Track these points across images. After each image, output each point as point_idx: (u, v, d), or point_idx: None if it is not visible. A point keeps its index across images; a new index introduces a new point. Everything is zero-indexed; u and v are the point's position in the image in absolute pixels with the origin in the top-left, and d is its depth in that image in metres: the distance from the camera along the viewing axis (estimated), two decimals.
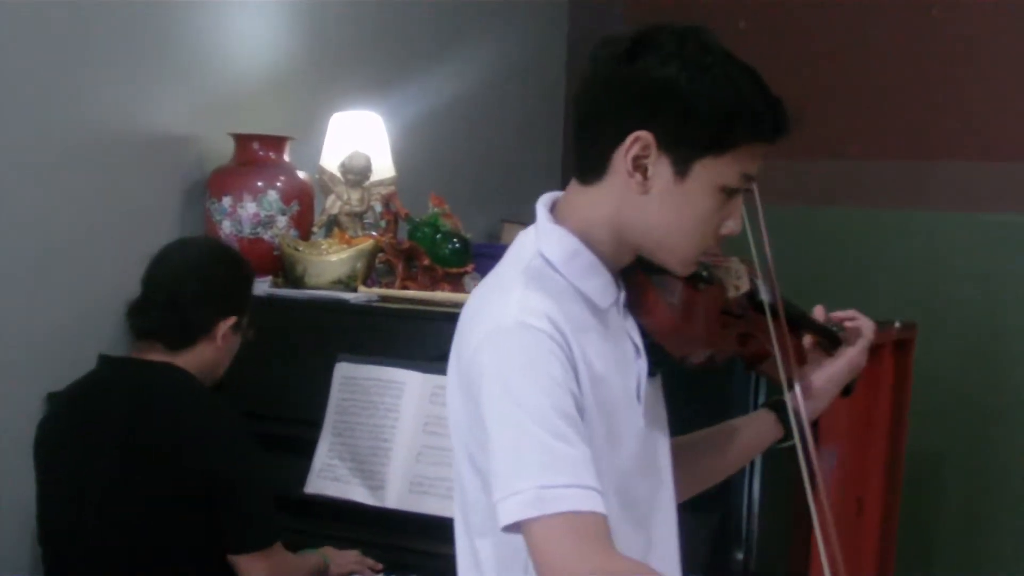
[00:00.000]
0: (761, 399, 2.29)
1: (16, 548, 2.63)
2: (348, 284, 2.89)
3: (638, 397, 1.58)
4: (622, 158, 1.49)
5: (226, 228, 2.95)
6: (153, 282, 2.41)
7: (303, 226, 3.03)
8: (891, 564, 3.21)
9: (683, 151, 1.48)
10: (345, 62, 3.54)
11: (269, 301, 2.82)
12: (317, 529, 2.53)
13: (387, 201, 3.08)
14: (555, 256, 1.53)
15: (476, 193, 3.86)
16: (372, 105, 3.33)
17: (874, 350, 2.90)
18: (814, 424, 2.15)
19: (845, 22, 4.21)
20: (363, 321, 2.76)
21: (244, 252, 2.87)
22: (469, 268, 2.98)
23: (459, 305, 2.60)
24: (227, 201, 2.95)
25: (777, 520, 2.38)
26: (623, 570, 1.35)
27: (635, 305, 1.60)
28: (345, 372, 2.65)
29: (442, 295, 2.82)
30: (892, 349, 3.04)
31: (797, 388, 1.74)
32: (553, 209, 1.59)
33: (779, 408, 1.83)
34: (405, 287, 2.91)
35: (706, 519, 2.28)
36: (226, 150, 3.04)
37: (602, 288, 1.55)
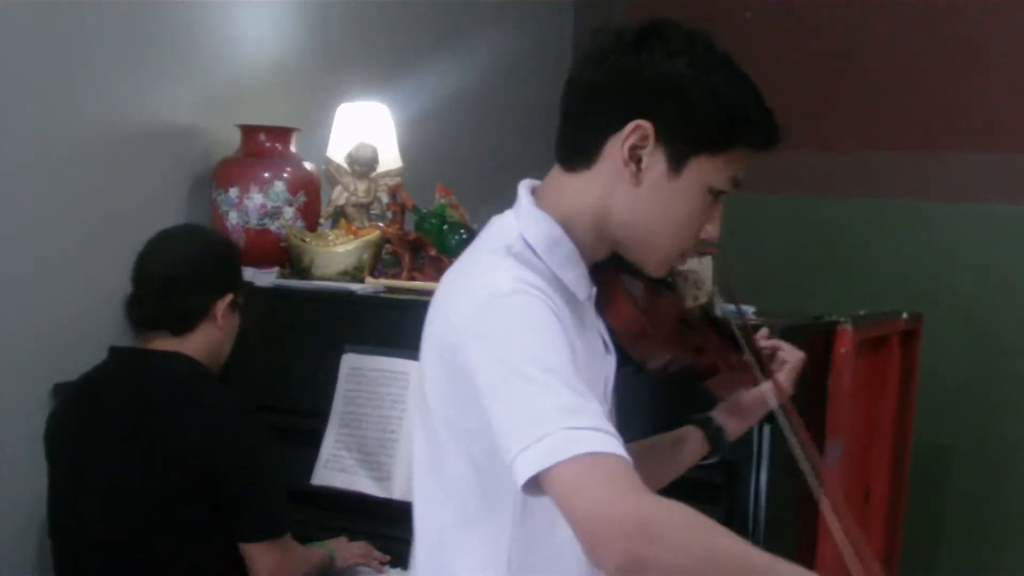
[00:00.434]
0: None
1: (23, 540, 2.63)
2: (355, 275, 2.89)
3: (604, 397, 1.55)
4: (618, 146, 1.48)
5: (233, 219, 2.95)
6: (145, 275, 2.43)
7: (310, 217, 3.03)
8: (897, 553, 3.20)
9: (680, 146, 1.48)
10: (351, 53, 3.54)
11: (276, 292, 2.83)
12: (323, 520, 2.54)
13: (393, 192, 3.08)
14: (537, 242, 1.50)
15: (482, 184, 3.84)
16: (379, 96, 3.32)
17: (881, 341, 2.92)
18: (820, 419, 2.15)
19: (850, 13, 4.20)
20: (370, 312, 2.76)
21: (251, 243, 2.89)
22: None
23: None
24: (234, 192, 2.95)
25: (784, 511, 2.38)
26: (664, 503, 1.27)
27: (603, 303, 1.58)
28: (352, 363, 2.66)
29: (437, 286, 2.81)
30: (899, 340, 3.04)
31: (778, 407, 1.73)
32: (534, 195, 1.56)
33: (706, 424, 1.82)
34: (412, 278, 2.91)
35: (713, 510, 2.27)
36: (232, 141, 3.04)
37: (579, 280, 1.53)
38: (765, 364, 1.79)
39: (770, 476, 2.30)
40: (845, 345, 2.52)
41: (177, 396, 2.32)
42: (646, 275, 1.58)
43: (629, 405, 1.71)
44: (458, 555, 1.49)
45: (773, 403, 1.78)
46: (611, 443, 1.28)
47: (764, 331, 1.87)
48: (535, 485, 1.28)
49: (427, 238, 2.95)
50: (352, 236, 2.94)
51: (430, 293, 2.75)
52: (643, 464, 1.72)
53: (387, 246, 2.98)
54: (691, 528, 1.28)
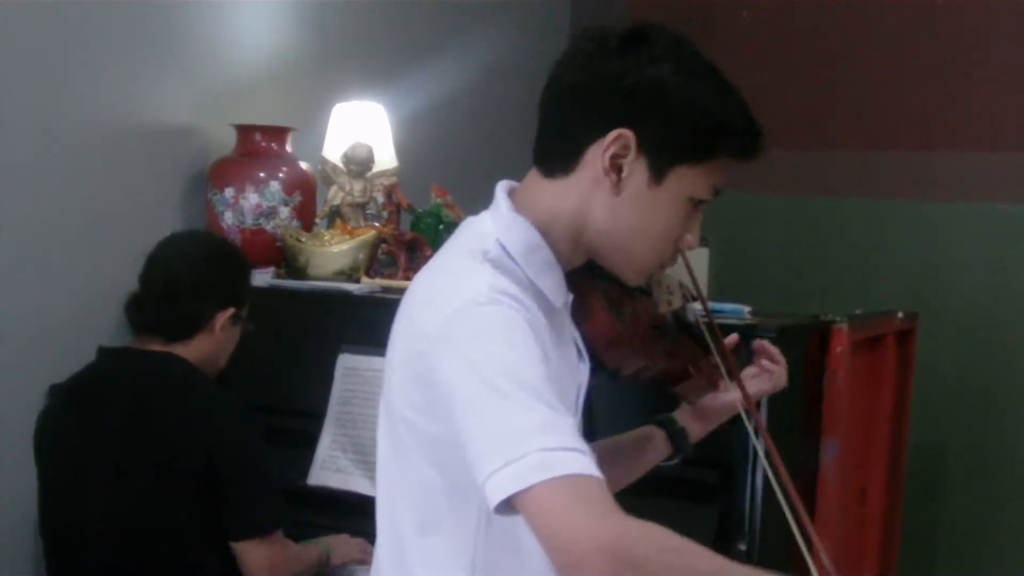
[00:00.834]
0: None
1: (17, 541, 2.63)
2: (350, 275, 2.89)
3: (576, 407, 1.53)
4: (599, 154, 1.45)
5: (228, 219, 2.94)
6: (150, 278, 2.43)
7: (305, 217, 3.02)
8: (894, 554, 3.21)
9: (662, 156, 1.45)
10: (347, 53, 3.54)
11: (271, 292, 2.82)
12: (319, 520, 2.54)
13: (389, 192, 3.07)
14: (515, 248, 1.46)
15: (478, 184, 3.84)
16: (374, 96, 3.32)
17: (877, 340, 2.92)
18: (816, 418, 2.15)
19: (849, 12, 4.20)
20: (365, 312, 2.76)
21: (246, 243, 2.88)
22: None
23: None
24: (229, 192, 2.95)
25: (780, 511, 2.37)
26: (640, 528, 1.26)
27: (578, 310, 1.55)
28: (347, 363, 2.65)
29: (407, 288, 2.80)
30: (895, 339, 3.04)
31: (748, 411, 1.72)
32: (510, 198, 1.53)
33: (668, 426, 1.80)
34: (408, 278, 2.91)
35: (708, 511, 2.28)
36: (228, 141, 3.04)
37: (556, 287, 1.49)
38: (733, 369, 1.77)
39: (765, 477, 2.30)
40: (841, 344, 2.52)
41: (171, 396, 2.32)
42: (622, 282, 1.56)
43: (606, 409, 1.71)
44: (421, 560, 1.46)
45: (742, 410, 1.78)
46: (585, 463, 1.26)
47: (733, 337, 1.86)
48: (507, 506, 1.26)
49: (423, 238, 2.95)
50: (348, 236, 2.93)
51: None
52: (604, 465, 1.72)
53: (383, 246, 2.98)
54: (671, 550, 1.27)
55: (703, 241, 1.78)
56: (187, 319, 2.38)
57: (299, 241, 2.92)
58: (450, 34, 3.94)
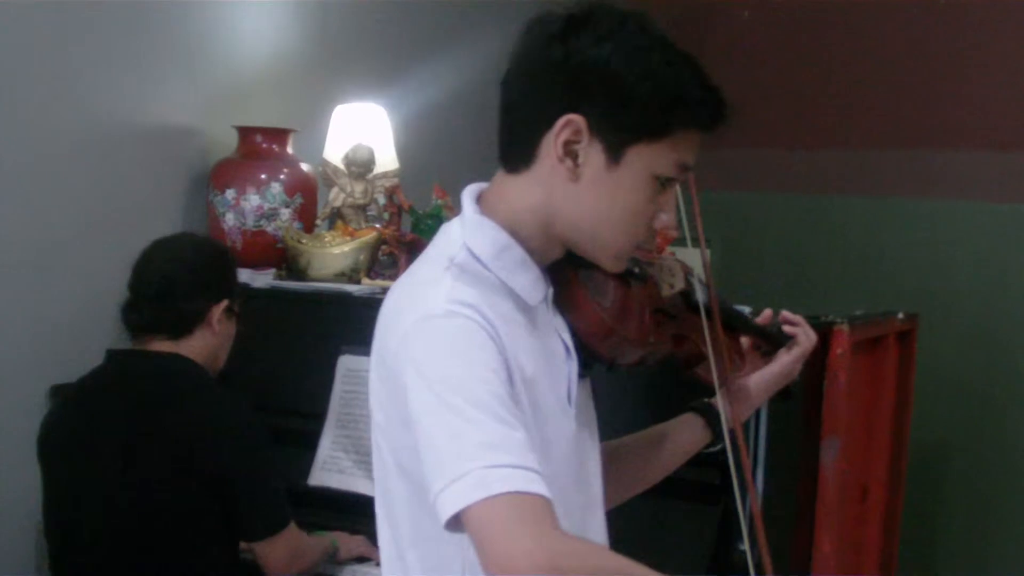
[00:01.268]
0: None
1: (21, 542, 2.63)
2: (351, 276, 2.89)
3: (569, 400, 1.50)
4: (552, 143, 1.41)
5: (229, 220, 2.95)
6: (141, 281, 2.44)
7: (306, 218, 3.03)
8: (895, 552, 3.21)
9: (616, 136, 1.41)
10: (348, 54, 3.54)
11: (272, 293, 2.83)
12: (320, 521, 2.54)
13: (390, 193, 3.08)
14: (483, 251, 1.44)
15: None
16: (375, 97, 3.32)
17: (877, 340, 2.92)
18: (817, 418, 2.15)
19: (849, 11, 4.20)
20: (366, 313, 2.72)
21: (247, 245, 2.89)
22: None
23: None
24: (230, 193, 2.95)
25: (781, 512, 2.38)
26: (576, 550, 1.27)
27: (563, 303, 1.52)
28: (348, 364, 2.66)
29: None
30: (895, 339, 3.04)
31: (719, 393, 1.69)
32: (479, 201, 1.50)
33: (706, 412, 1.77)
34: None
35: (710, 511, 2.28)
36: (229, 142, 3.04)
37: (531, 284, 1.46)
38: (765, 343, 1.76)
39: (767, 477, 2.31)
40: (841, 346, 2.52)
41: (177, 396, 2.32)
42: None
43: (618, 401, 1.69)
44: (418, 564, 1.46)
45: (778, 383, 1.77)
46: (528, 480, 1.25)
47: (767, 312, 1.84)
48: (458, 523, 1.26)
49: (424, 239, 2.95)
50: (349, 237, 2.94)
51: None
52: (644, 455, 1.72)
53: (384, 247, 2.98)
54: (603, 570, 1.27)
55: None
56: (185, 314, 2.40)
57: (300, 242, 2.93)
58: (451, 35, 3.94)
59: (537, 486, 1.25)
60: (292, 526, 2.35)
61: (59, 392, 2.60)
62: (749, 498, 1.60)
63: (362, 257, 2.92)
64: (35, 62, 2.65)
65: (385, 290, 2.81)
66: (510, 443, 1.27)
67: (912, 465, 3.27)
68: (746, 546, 1.57)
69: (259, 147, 3.02)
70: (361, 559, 2.51)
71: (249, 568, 2.37)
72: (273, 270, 2.94)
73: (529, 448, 1.29)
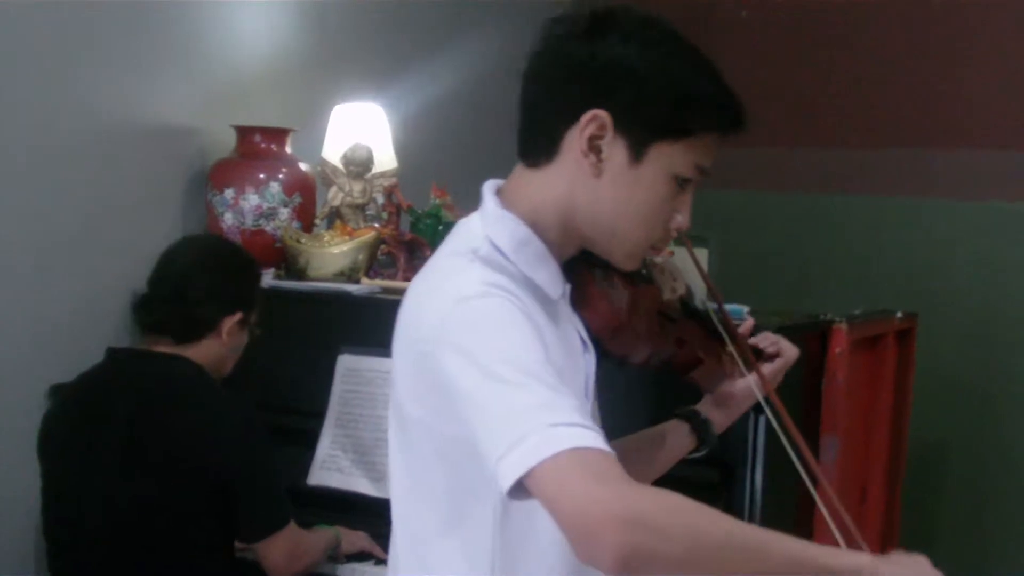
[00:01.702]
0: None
1: (21, 540, 2.63)
2: (350, 276, 2.90)
3: (586, 395, 1.52)
4: (576, 138, 1.45)
5: (228, 220, 2.95)
6: (160, 278, 2.44)
7: (305, 218, 3.03)
8: (893, 551, 3.21)
9: (639, 133, 1.44)
10: (347, 54, 3.54)
11: (271, 293, 2.82)
12: (319, 520, 2.54)
13: (389, 193, 3.08)
14: (505, 244, 1.46)
15: (478, 185, 3.85)
16: (374, 97, 3.32)
17: (876, 340, 2.93)
18: (816, 417, 2.15)
19: (846, 10, 4.20)
20: (365, 313, 2.76)
21: (246, 244, 2.88)
22: None
23: None
24: (229, 193, 2.95)
25: (780, 508, 2.38)
26: (651, 493, 1.26)
27: (578, 300, 1.55)
28: (348, 364, 2.66)
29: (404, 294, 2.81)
30: (894, 339, 3.04)
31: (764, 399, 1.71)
32: (498, 195, 1.53)
33: (692, 418, 1.79)
34: (408, 279, 2.90)
35: None
36: (228, 142, 3.04)
37: (551, 278, 1.49)
38: (748, 354, 1.76)
39: (765, 474, 2.31)
40: (840, 345, 2.52)
41: (178, 397, 2.32)
42: (621, 270, 1.55)
43: (616, 401, 1.70)
44: (442, 562, 1.47)
45: (759, 394, 1.76)
46: (591, 437, 1.25)
47: (749, 322, 1.85)
48: (520, 489, 1.25)
49: (423, 239, 2.95)
50: (348, 237, 2.94)
51: None
52: (629, 461, 1.70)
53: (382, 247, 2.98)
54: (683, 512, 1.26)
55: (702, 241, 1.77)
56: (195, 321, 2.39)
57: (299, 242, 2.93)
58: (449, 35, 3.94)
59: (599, 441, 1.25)
60: (292, 525, 2.35)
61: (58, 391, 2.60)
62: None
63: (361, 256, 2.92)
64: (34, 62, 2.65)
65: (384, 289, 2.83)
66: (564, 403, 1.27)
67: (911, 465, 3.27)
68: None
69: (258, 146, 3.02)
70: (361, 556, 2.51)
71: (251, 567, 2.37)
72: (272, 270, 2.94)
73: (584, 412, 1.29)
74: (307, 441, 2.64)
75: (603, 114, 1.43)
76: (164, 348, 2.39)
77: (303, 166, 3.06)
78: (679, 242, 1.66)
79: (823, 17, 4.24)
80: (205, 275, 2.43)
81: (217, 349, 2.42)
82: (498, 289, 1.37)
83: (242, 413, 2.33)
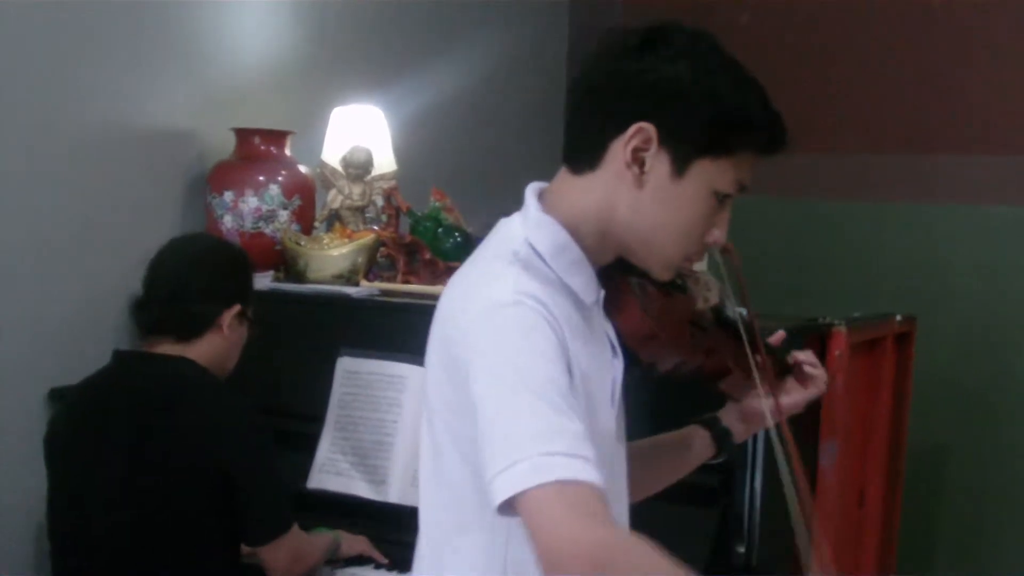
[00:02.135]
0: None
1: (21, 541, 2.63)
2: (350, 278, 2.90)
3: (612, 400, 1.56)
4: (621, 148, 1.48)
5: (227, 223, 2.95)
6: (154, 280, 2.43)
7: (305, 220, 3.03)
8: (893, 556, 3.21)
9: (683, 149, 1.47)
10: (346, 56, 3.54)
11: (271, 295, 2.83)
12: (319, 524, 2.54)
13: (388, 195, 3.08)
14: (544, 248, 1.50)
15: (477, 187, 3.85)
16: (373, 99, 3.33)
17: (875, 343, 2.93)
18: (815, 420, 2.15)
19: (846, 16, 4.21)
20: (365, 315, 2.76)
21: (245, 247, 2.88)
22: None
23: None
24: (228, 196, 2.95)
25: (779, 514, 2.38)
26: (624, 540, 1.30)
27: (610, 306, 1.58)
28: (347, 366, 2.66)
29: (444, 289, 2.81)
30: (893, 342, 3.05)
31: (766, 406, 1.73)
32: (540, 198, 1.56)
33: (712, 426, 1.81)
34: (407, 281, 2.91)
35: (708, 513, 2.29)
36: (227, 144, 3.04)
37: (587, 284, 1.52)
38: (769, 370, 1.77)
39: (764, 480, 2.31)
40: (839, 347, 2.53)
41: (183, 399, 2.32)
42: (655, 279, 1.58)
43: (635, 406, 1.71)
44: (459, 558, 1.50)
45: (768, 420, 1.77)
46: (579, 468, 1.28)
47: (780, 333, 1.87)
48: (509, 507, 1.30)
49: (422, 241, 2.95)
50: (347, 239, 2.94)
51: (425, 296, 2.79)
52: (648, 463, 1.75)
53: (382, 249, 2.98)
54: (647, 566, 1.28)
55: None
56: (195, 317, 2.39)
57: (298, 244, 2.93)
58: (448, 37, 3.95)
59: (589, 474, 1.29)
60: (295, 529, 2.35)
61: (58, 395, 2.60)
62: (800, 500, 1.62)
63: (360, 259, 2.92)
64: (33, 64, 2.65)
65: (383, 292, 2.84)
66: (566, 432, 1.31)
67: (910, 468, 3.28)
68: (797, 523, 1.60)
69: (257, 149, 3.02)
70: (360, 559, 2.50)
71: (253, 571, 2.36)
72: (271, 272, 2.94)
73: (585, 438, 1.32)
74: (307, 444, 2.63)
75: (649, 127, 1.47)
76: (167, 349, 2.39)
77: (302, 168, 3.06)
78: (723, 251, 1.67)
79: (822, 22, 4.24)
80: (198, 271, 2.43)
81: (220, 344, 2.42)
82: (530, 299, 1.40)
83: (247, 416, 2.33)
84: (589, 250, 1.53)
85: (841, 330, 2.54)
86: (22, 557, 2.64)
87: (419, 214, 3.02)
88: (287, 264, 2.96)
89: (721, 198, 1.51)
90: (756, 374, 1.71)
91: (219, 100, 3.11)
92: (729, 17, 4.18)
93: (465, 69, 3.91)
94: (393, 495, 2.52)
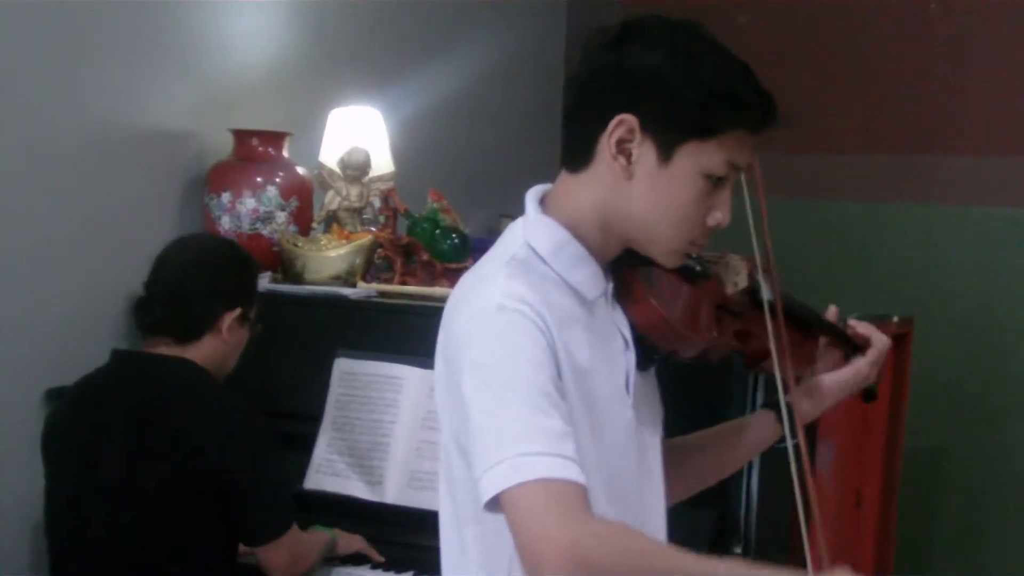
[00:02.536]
0: (759, 396, 2.30)
1: (18, 541, 2.63)
2: (347, 279, 2.90)
3: (627, 389, 1.57)
4: (607, 142, 1.50)
5: (225, 224, 2.95)
6: (157, 279, 2.43)
7: (302, 222, 3.03)
8: (890, 557, 3.21)
9: (666, 135, 1.49)
10: (344, 58, 3.54)
11: (268, 296, 2.82)
12: (316, 524, 2.54)
13: (386, 196, 3.08)
14: (542, 247, 1.53)
15: (475, 188, 3.86)
16: (371, 101, 3.33)
17: None
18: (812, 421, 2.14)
19: (844, 16, 4.21)
20: (362, 316, 2.76)
21: (243, 247, 2.88)
22: (468, 263, 2.98)
23: None
24: (226, 197, 2.95)
25: (776, 515, 2.38)
26: (599, 534, 1.33)
27: (622, 297, 1.59)
28: (344, 367, 2.66)
29: (441, 290, 2.82)
30: (890, 343, 3.04)
31: (784, 390, 1.72)
32: (542, 201, 1.59)
33: (777, 406, 1.79)
34: (404, 282, 2.92)
35: (705, 514, 2.29)
36: (225, 146, 3.04)
37: (590, 279, 1.55)
38: (844, 344, 1.79)
39: (761, 481, 2.31)
40: None
41: (182, 399, 2.32)
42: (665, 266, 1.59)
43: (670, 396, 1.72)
44: (468, 552, 1.55)
45: (852, 385, 1.81)
46: (560, 467, 1.33)
47: (833, 308, 1.88)
48: (496, 505, 1.35)
49: (419, 242, 2.95)
50: (344, 240, 2.94)
51: (422, 297, 2.80)
52: (713, 450, 1.81)
53: (379, 250, 2.98)
54: (628, 554, 1.32)
55: None
56: (194, 319, 2.39)
57: (296, 246, 2.93)
58: (446, 38, 3.95)
59: (568, 472, 1.33)
60: (294, 529, 2.35)
61: (55, 395, 2.60)
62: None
63: (358, 260, 2.92)
64: (31, 65, 2.65)
65: (381, 293, 2.84)
66: (546, 431, 1.35)
67: (906, 469, 3.28)
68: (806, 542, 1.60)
69: (255, 150, 3.02)
70: (357, 558, 2.50)
71: (251, 571, 2.36)
72: (269, 273, 2.94)
73: (565, 437, 1.36)
74: (304, 445, 2.63)
75: (629, 118, 1.49)
76: (165, 349, 2.39)
77: (300, 170, 3.06)
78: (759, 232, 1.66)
79: (820, 23, 4.25)
80: (201, 272, 2.43)
81: (218, 347, 2.42)
82: (517, 302, 1.43)
83: (246, 416, 2.33)
84: (593, 245, 1.55)
85: (831, 312, 2.53)
86: (19, 556, 2.64)
87: (416, 215, 3.02)
88: (284, 265, 2.96)
89: (715, 180, 1.52)
90: (787, 348, 1.67)
91: (217, 101, 3.11)
92: (726, 18, 4.18)
93: (463, 70, 3.91)
94: (389, 496, 2.52)
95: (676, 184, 1.50)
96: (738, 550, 2.30)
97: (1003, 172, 3.96)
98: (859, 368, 1.84)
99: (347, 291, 2.83)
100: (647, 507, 1.61)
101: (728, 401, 2.30)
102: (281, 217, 2.98)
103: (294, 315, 2.81)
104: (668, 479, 1.66)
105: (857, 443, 2.94)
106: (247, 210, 2.95)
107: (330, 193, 3.10)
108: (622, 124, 1.49)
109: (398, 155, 3.29)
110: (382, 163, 3.18)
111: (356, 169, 3.08)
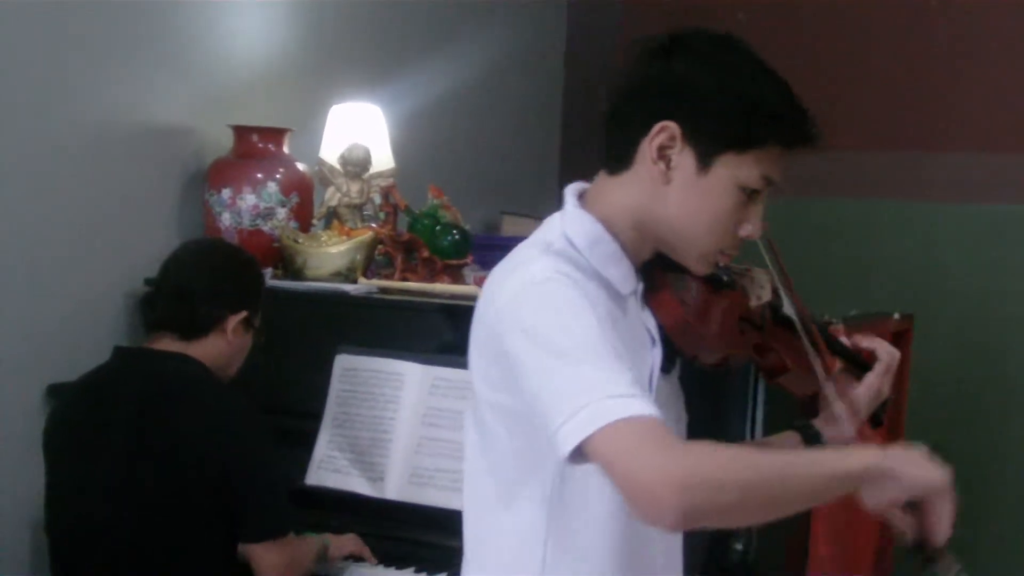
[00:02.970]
0: (760, 399, 2.31)
1: (18, 539, 2.63)
2: (348, 276, 2.90)
3: (651, 387, 1.61)
4: (648, 147, 1.55)
5: (225, 220, 2.95)
6: (164, 277, 2.44)
7: (303, 218, 3.03)
8: (890, 557, 3.21)
9: (706, 144, 1.54)
10: (344, 54, 3.54)
11: (269, 293, 2.81)
12: (317, 520, 2.54)
13: (386, 193, 3.08)
14: (579, 239, 1.58)
15: (475, 185, 3.86)
16: (371, 97, 3.33)
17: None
18: (810, 418, 2.14)
19: (842, 14, 4.21)
20: (363, 313, 2.76)
21: (244, 244, 2.89)
22: (468, 260, 2.98)
23: (459, 297, 2.60)
24: (226, 193, 2.95)
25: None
26: (703, 452, 1.36)
27: (650, 299, 1.64)
28: (345, 364, 2.66)
29: (441, 287, 2.82)
30: (890, 340, 3.04)
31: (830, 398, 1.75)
32: (581, 197, 1.64)
33: (804, 430, 1.84)
34: (405, 279, 2.91)
35: None
36: (225, 142, 3.04)
37: (622, 277, 1.60)
38: (826, 362, 1.79)
39: None
40: None
41: (183, 396, 2.32)
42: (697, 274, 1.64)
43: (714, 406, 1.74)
44: (500, 530, 1.58)
45: (868, 405, 1.83)
46: (641, 405, 1.35)
47: (840, 328, 1.92)
48: (579, 455, 1.36)
49: (420, 239, 2.95)
50: (345, 237, 2.94)
51: (423, 294, 2.80)
52: None
53: (380, 247, 2.98)
54: (732, 461, 1.36)
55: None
56: (200, 317, 2.40)
57: (296, 242, 2.93)
58: (447, 35, 3.95)
59: (647, 409, 1.36)
60: (290, 535, 2.35)
61: (56, 391, 2.60)
62: None
63: (358, 256, 2.92)
64: (30, 62, 2.65)
65: (381, 289, 2.84)
66: (620, 376, 1.39)
67: None
68: None
69: (255, 146, 3.02)
70: (354, 558, 2.50)
71: (251, 570, 2.36)
72: (270, 269, 2.94)
73: (634, 380, 1.40)
74: (305, 441, 2.63)
75: (672, 125, 1.54)
76: (169, 346, 2.39)
77: (300, 166, 3.06)
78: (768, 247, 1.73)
79: (819, 21, 4.25)
80: (210, 273, 2.45)
81: (222, 347, 2.43)
82: (562, 275, 1.48)
83: (246, 414, 2.33)
84: (626, 245, 1.61)
85: (838, 328, 2.53)
86: (19, 554, 2.64)
87: (417, 212, 3.02)
88: (285, 262, 2.96)
89: (749, 192, 1.57)
90: (815, 364, 1.72)
91: (217, 97, 3.11)
92: (726, 15, 4.18)
93: (463, 67, 3.91)
94: (390, 492, 2.52)
95: (712, 192, 1.56)
96: (739, 547, 2.30)
97: (1003, 169, 3.96)
98: (870, 384, 1.85)
99: (348, 287, 2.83)
100: None
101: (727, 402, 2.30)
102: (281, 213, 2.98)
103: (295, 311, 2.81)
104: None
105: (856, 441, 2.93)
106: (247, 206, 2.95)
107: (330, 189, 3.10)
108: (664, 131, 1.54)
109: (398, 151, 3.29)
110: (382, 159, 3.18)
111: (356, 165, 3.08)
